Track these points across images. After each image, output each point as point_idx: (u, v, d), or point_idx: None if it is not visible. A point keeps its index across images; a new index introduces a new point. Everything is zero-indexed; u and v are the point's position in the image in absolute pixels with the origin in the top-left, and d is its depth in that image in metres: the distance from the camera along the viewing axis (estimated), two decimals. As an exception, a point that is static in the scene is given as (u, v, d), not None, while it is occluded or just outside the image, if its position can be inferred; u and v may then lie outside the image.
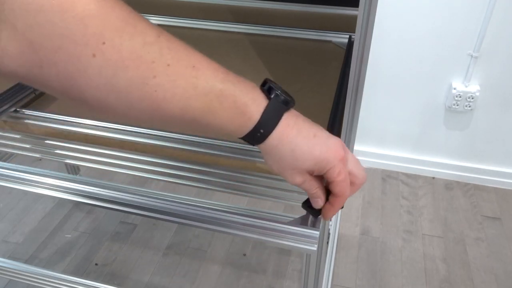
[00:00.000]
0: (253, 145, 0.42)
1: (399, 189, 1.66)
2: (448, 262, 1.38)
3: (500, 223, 1.51)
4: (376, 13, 0.53)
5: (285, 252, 1.42)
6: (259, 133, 0.40)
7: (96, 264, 1.38)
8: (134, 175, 0.67)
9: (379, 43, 1.45)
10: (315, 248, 0.51)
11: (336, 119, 0.66)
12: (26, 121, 0.70)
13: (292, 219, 0.52)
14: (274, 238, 0.52)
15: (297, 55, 0.89)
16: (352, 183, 0.44)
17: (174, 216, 0.54)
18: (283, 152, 0.41)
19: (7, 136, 0.72)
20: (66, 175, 0.64)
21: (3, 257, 1.28)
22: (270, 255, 1.41)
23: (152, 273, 1.35)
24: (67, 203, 1.60)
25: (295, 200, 0.62)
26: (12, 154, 1.27)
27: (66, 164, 1.59)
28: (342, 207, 0.46)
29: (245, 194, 0.64)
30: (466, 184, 1.68)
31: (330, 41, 0.93)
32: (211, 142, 0.64)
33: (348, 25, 0.96)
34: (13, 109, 0.71)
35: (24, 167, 0.63)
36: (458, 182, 1.69)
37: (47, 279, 1.06)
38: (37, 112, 0.70)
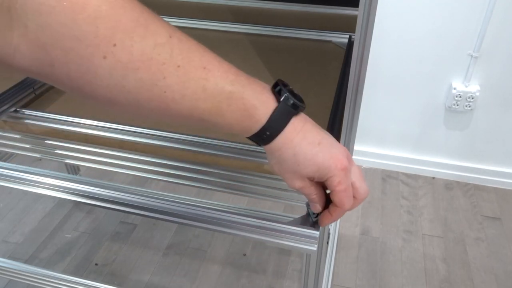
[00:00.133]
0: (259, 145, 0.42)
1: (399, 189, 1.66)
2: (448, 262, 1.38)
3: (500, 223, 1.51)
4: (376, 13, 0.53)
5: (285, 252, 1.42)
6: (265, 135, 0.40)
7: (96, 264, 1.37)
8: (134, 175, 0.67)
9: (379, 43, 1.45)
10: (315, 248, 0.50)
11: (336, 119, 0.66)
12: (26, 121, 0.70)
13: (292, 219, 0.52)
14: (274, 238, 0.52)
15: (297, 55, 0.89)
16: (353, 197, 0.44)
17: (174, 216, 0.54)
18: (285, 155, 0.41)
19: (7, 136, 0.72)
20: (66, 175, 0.64)
21: (3, 257, 1.29)
22: (270, 255, 1.41)
23: (152, 273, 1.35)
24: (67, 203, 1.60)
25: (295, 200, 0.62)
26: (12, 154, 1.27)
27: (66, 164, 1.59)
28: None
29: (245, 194, 0.64)
30: (466, 184, 1.68)
31: (330, 41, 0.93)
32: (211, 142, 0.64)
33: (348, 25, 0.96)
34: (13, 109, 0.71)
35: (24, 167, 0.63)
36: (458, 182, 1.69)
37: (47, 279, 1.06)
38: (37, 112, 0.70)
